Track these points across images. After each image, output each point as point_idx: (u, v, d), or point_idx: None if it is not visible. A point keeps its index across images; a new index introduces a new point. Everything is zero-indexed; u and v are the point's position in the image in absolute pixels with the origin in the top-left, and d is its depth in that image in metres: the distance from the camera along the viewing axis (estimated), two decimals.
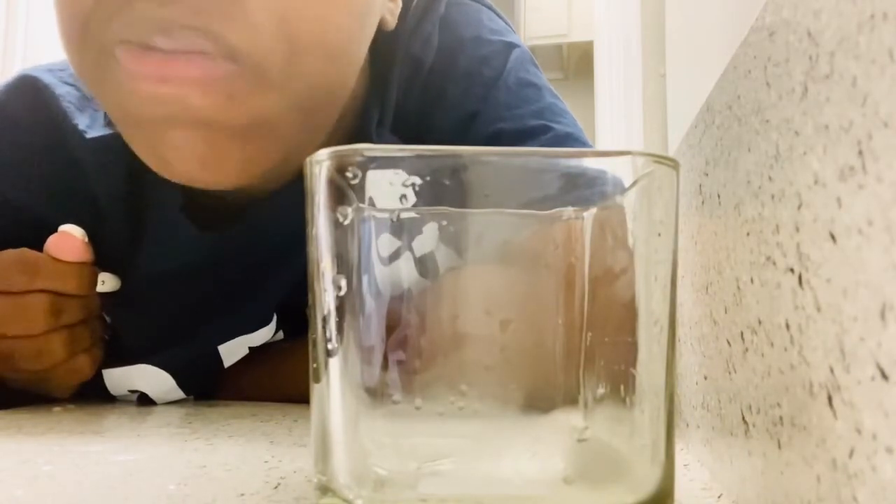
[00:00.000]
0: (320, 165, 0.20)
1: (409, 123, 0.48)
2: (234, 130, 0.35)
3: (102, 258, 0.47)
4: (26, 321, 0.43)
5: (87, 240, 0.45)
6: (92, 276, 0.46)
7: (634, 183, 0.20)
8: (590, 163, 0.21)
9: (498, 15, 0.54)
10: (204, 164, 0.36)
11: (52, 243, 0.44)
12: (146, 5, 0.32)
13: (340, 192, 0.20)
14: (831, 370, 0.15)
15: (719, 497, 0.24)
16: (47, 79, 0.49)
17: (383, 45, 0.46)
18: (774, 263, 0.19)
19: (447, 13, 0.50)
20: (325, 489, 0.20)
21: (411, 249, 0.20)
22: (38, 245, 0.45)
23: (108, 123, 0.46)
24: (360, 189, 0.20)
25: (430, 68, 0.49)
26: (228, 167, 0.36)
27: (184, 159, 0.35)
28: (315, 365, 0.20)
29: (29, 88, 0.48)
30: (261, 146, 0.37)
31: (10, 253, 0.44)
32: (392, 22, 0.45)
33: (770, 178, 0.20)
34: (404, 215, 0.20)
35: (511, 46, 0.51)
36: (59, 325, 0.44)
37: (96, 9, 0.33)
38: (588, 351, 0.19)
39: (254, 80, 0.34)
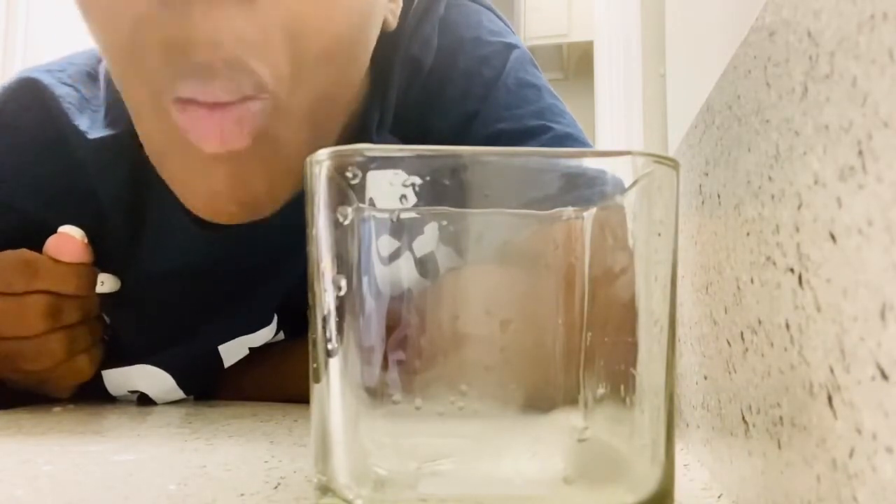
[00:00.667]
0: (320, 165, 0.20)
1: (410, 124, 0.48)
2: (260, 163, 0.36)
3: (103, 258, 0.47)
4: (25, 322, 0.43)
5: (86, 241, 0.45)
6: (91, 277, 0.46)
7: (634, 183, 0.20)
8: (590, 163, 0.21)
9: (497, 16, 0.54)
10: (241, 203, 0.37)
11: (52, 244, 0.44)
12: (201, 52, 0.32)
13: (340, 192, 0.20)
14: (831, 370, 0.15)
15: (719, 497, 0.24)
16: (47, 80, 0.48)
17: (383, 46, 0.46)
18: (774, 263, 0.19)
19: (447, 14, 0.50)
20: (325, 489, 0.20)
21: (411, 249, 0.20)
22: (39, 246, 0.45)
23: (109, 124, 0.46)
24: (360, 189, 0.20)
25: (429, 69, 0.49)
26: (255, 201, 0.38)
27: (223, 202, 0.37)
28: (315, 365, 0.20)
29: (29, 90, 0.48)
30: (280, 169, 0.38)
31: (10, 254, 0.44)
32: (393, 22, 0.45)
33: (770, 178, 0.20)
34: (404, 215, 0.20)
35: (510, 47, 0.51)
36: (58, 325, 0.44)
37: (151, 53, 0.33)
38: (588, 351, 0.19)
39: (273, 108, 0.35)
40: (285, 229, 0.41)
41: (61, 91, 0.48)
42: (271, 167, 0.37)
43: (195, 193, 0.38)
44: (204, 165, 0.36)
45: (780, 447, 0.18)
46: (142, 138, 0.39)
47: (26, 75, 0.49)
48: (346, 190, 0.20)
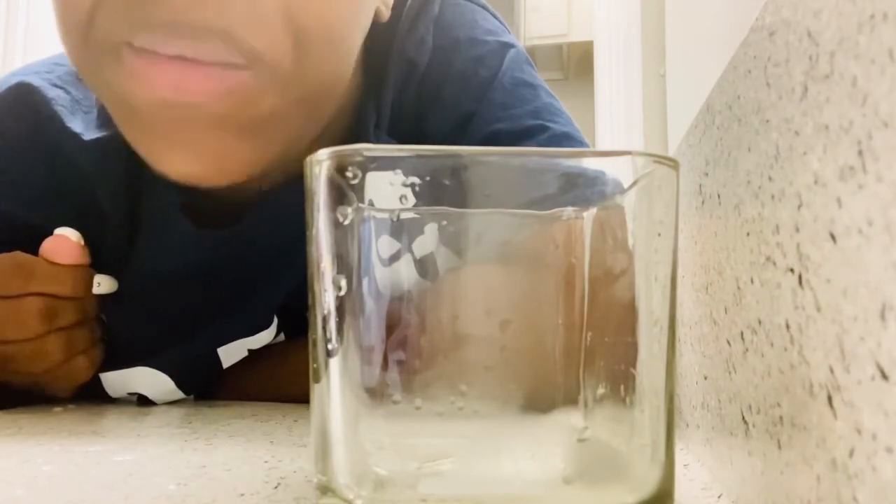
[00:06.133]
0: (320, 165, 0.20)
1: (406, 125, 0.48)
2: (243, 129, 0.35)
3: (101, 259, 0.47)
4: (21, 325, 0.43)
5: (82, 243, 0.45)
6: (87, 279, 0.46)
7: (634, 183, 0.20)
8: (590, 163, 0.21)
9: (493, 15, 0.54)
10: (209, 165, 0.36)
11: (47, 246, 0.44)
12: (165, 10, 0.32)
13: (340, 192, 0.20)
14: (831, 370, 0.15)
15: (719, 497, 0.24)
16: (37, 82, 0.48)
17: (377, 46, 0.45)
18: (774, 263, 0.19)
19: (441, 14, 0.50)
20: (325, 489, 0.20)
21: (411, 250, 0.20)
22: (35, 249, 0.45)
23: (100, 126, 0.46)
24: (360, 189, 0.20)
25: (425, 69, 0.48)
26: (233, 167, 0.36)
27: (188, 161, 0.35)
28: (315, 365, 0.20)
29: (21, 94, 0.48)
30: (267, 141, 0.37)
31: (5, 257, 0.44)
32: (386, 13, 0.45)
33: (770, 178, 0.20)
34: (404, 215, 0.20)
35: (506, 46, 0.51)
36: (54, 327, 0.44)
37: (100, 7, 0.33)
38: (588, 351, 0.19)
39: (267, 82, 0.34)
40: (283, 230, 0.41)
41: (53, 94, 0.48)
42: (261, 140, 0.36)
43: (166, 159, 0.36)
44: (173, 128, 0.34)
45: (780, 447, 0.18)
46: (107, 107, 0.37)
47: (17, 79, 0.49)
48: (346, 190, 0.20)
